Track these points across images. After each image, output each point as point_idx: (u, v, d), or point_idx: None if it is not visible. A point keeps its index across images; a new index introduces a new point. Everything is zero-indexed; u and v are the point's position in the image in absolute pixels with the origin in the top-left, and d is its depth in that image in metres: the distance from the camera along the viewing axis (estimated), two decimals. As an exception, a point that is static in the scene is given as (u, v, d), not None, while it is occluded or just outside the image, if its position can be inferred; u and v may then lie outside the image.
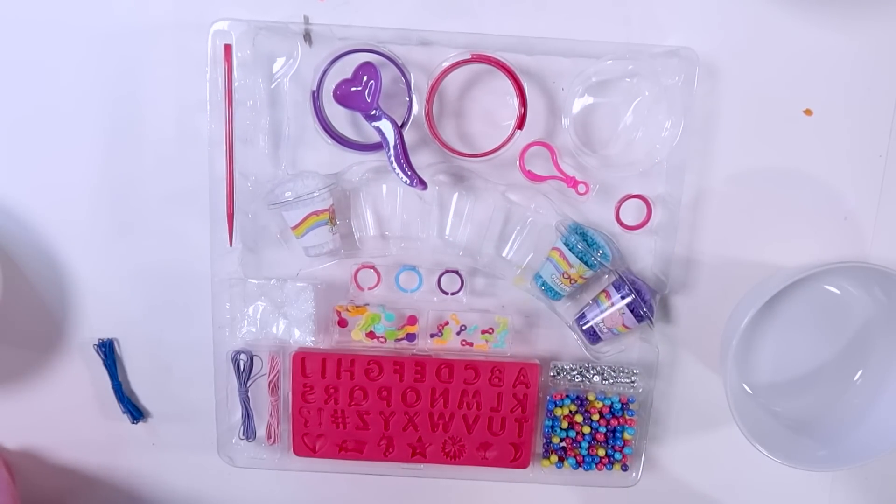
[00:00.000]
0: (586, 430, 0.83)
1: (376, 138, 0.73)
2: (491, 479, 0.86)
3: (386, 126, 0.72)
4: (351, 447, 0.83)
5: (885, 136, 0.79)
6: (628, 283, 0.77)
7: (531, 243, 0.79)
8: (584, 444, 0.83)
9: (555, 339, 0.83)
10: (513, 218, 0.79)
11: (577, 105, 0.76)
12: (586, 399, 0.83)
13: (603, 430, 0.83)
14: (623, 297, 0.77)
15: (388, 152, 0.73)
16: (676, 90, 0.74)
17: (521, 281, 0.80)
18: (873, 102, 0.78)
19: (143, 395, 0.86)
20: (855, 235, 0.81)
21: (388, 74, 0.73)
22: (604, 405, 0.83)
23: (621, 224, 0.79)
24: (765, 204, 0.80)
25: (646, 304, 0.77)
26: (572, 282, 0.77)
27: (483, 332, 0.81)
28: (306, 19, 0.75)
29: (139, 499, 0.90)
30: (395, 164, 0.73)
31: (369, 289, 0.81)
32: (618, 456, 0.84)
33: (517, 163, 0.77)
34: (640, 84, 0.76)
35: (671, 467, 0.88)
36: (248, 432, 0.84)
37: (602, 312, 0.79)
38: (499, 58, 0.73)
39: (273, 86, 0.75)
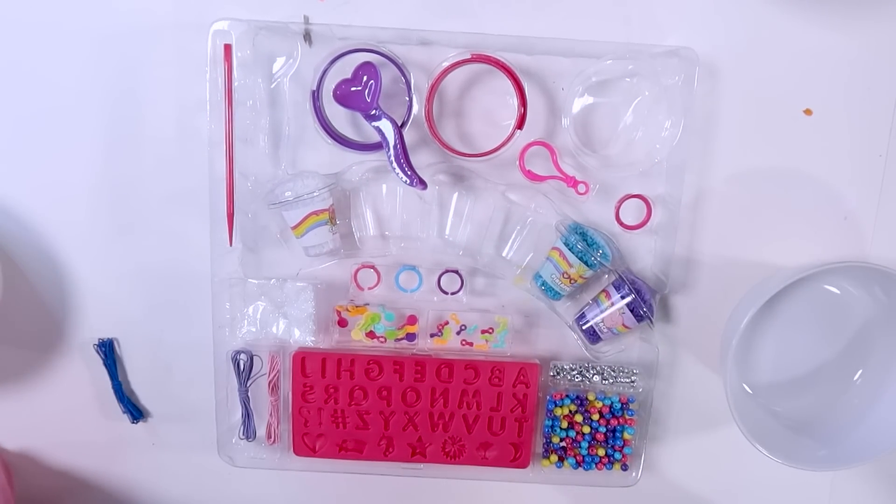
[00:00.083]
0: (586, 429, 0.83)
1: (376, 138, 0.73)
2: (491, 479, 0.86)
3: (386, 126, 0.72)
4: (351, 447, 0.83)
5: (885, 136, 0.79)
6: (628, 282, 0.77)
7: (531, 243, 0.79)
8: (584, 444, 0.83)
9: (555, 339, 0.83)
10: (513, 218, 0.79)
11: (577, 105, 0.76)
12: (586, 399, 0.83)
13: (603, 429, 0.83)
14: (623, 297, 0.77)
15: (388, 152, 0.73)
16: (676, 90, 0.74)
17: (521, 281, 0.80)
18: (873, 102, 0.78)
19: (143, 395, 0.86)
20: (855, 235, 0.81)
21: (388, 74, 0.73)
22: (604, 405, 0.83)
23: (621, 224, 0.79)
24: (765, 204, 0.80)
25: (646, 304, 0.77)
26: (572, 282, 0.77)
27: (483, 331, 0.81)
28: (306, 19, 0.75)
29: (139, 499, 0.90)
30: (395, 164, 0.73)
31: (369, 289, 0.81)
32: (618, 456, 0.84)
33: (517, 163, 0.77)
34: (640, 84, 0.76)
35: (671, 467, 0.88)
36: (248, 432, 0.84)
37: (602, 312, 0.79)
38: (499, 58, 0.73)
39: (273, 86, 0.75)
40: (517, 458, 0.83)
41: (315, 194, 0.74)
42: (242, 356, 0.82)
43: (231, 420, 0.84)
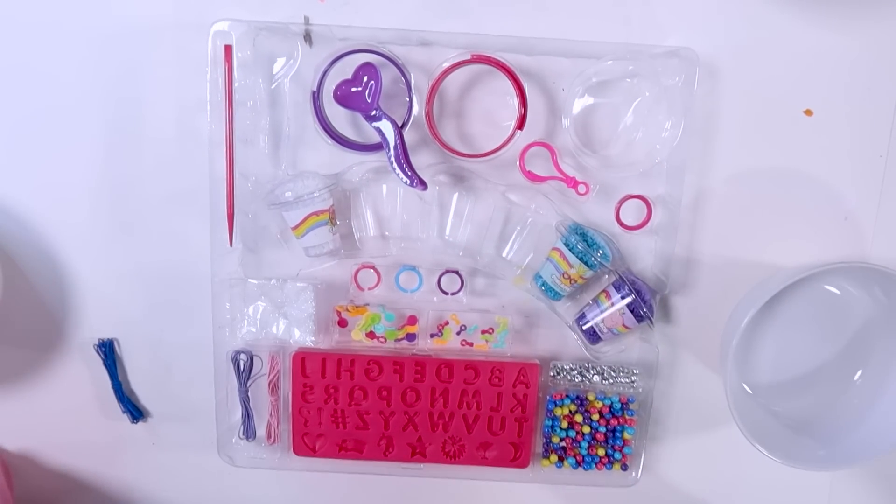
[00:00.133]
0: (586, 429, 0.83)
1: (376, 138, 0.73)
2: (491, 479, 0.86)
3: (386, 126, 0.72)
4: (351, 447, 0.83)
5: (885, 136, 0.79)
6: (628, 283, 0.77)
7: (531, 243, 0.79)
8: (584, 444, 0.84)
9: (555, 339, 0.83)
10: (513, 218, 0.79)
11: (578, 105, 0.76)
12: (586, 399, 0.83)
13: (603, 429, 0.83)
14: (623, 298, 0.77)
15: (388, 152, 0.73)
16: (676, 90, 0.74)
17: (521, 281, 0.80)
18: (873, 102, 0.78)
19: (143, 395, 0.86)
20: (855, 235, 0.81)
21: (388, 75, 0.73)
22: (604, 405, 0.83)
23: (621, 224, 0.79)
24: (765, 204, 0.80)
25: (646, 304, 0.77)
26: (572, 282, 0.77)
27: (483, 332, 0.81)
28: (306, 20, 0.75)
29: (139, 499, 0.90)
30: (395, 165, 0.73)
31: (369, 289, 0.81)
32: (617, 456, 0.84)
33: (517, 163, 0.77)
34: (641, 84, 0.76)
35: (671, 467, 0.88)
36: (248, 432, 0.84)
37: (602, 312, 0.79)
38: (499, 58, 0.73)
39: (273, 86, 0.75)
40: (517, 458, 0.83)
41: (315, 195, 0.74)
42: (242, 356, 0.82)
43: (231, 420, 0.84)
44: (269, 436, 0.84)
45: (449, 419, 0.83)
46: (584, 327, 0.80)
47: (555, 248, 0.77)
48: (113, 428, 0.87)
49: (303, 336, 0.80)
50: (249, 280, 0.79)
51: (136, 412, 0.85)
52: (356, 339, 0.81)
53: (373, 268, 0.80)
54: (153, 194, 0.80)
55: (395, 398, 0.82)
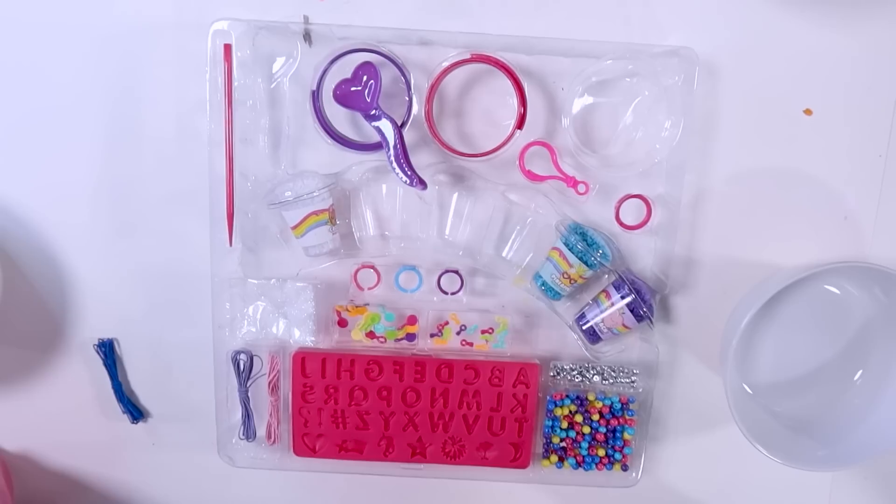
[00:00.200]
0: (586, 430, 0.83)
1: (376, 138, 0.73)
2: (491, 479, 0.86)
3: (386, 126, 0.72)
4: (351, 447, 0.83)
5: (885, 136, 0.78)
6: (628, 283, 0.77)
7: (531, 243, 0.79)
8: (584, 444, 0.83)
9: (555, 339, 0.83)
10: (513, 218, 0.79)
11: (577, 105, 0.76)
12: (586, 399, 0.83)
13: (603, 430, 0.83)
14: (623, 297, 0.77)
15: (388, 152, 0.73)
16: (676, 90, 0.74)
17: (521, 281, 0.80)
18: (873, 102, 0.78)
19: (143, 395, 0.86)
20: (855, 235, 0.81)
21: (388, 74, 0.73)
22: (604, 405, 0.83)
23: (621, 224, 0.79)
24: (765, 204, 0.80)
25: (646, 304, 0.77)
26: (572, 282, 0.77)
27: (483, 332, 0.81)
28: (306, 19, 0.75)
29: (139, 499, 0.90)
30: (394, 164, 0.73)
31: (369, 289, 0.81)
32: (618, 456, 0.84)
33: (517, 163, 0.77)
34: (640, 84, 0.76)
35: (671, 467, 0.88)
36: (248, 432, 0.84)
37: (602, 312, 0.79)
38: (499, 58, 0.73)
39: (273, 86, 0.75)
40: (517, 458, 0.83)
41: (315, 194, 0.74)
42: (242, 356, 0.82)
43: (231, 420, 0.84)
44: (269, 436, 0.84)
45: (449, 419, 0.83)
46: (584, 327, 0.80)
47: (554, 248, 0.77)
48: (113, 428, 0.87)
49: (303, 336, 0.79)
50: (249, 280, 0.79)
51: (136, 412, 0.85)
52: (356, 339, 0.81)
53: (373, 267, 0.80)
54: (153, 194, 0.80)
55: (395, 398, 0.82)
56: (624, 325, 0.78)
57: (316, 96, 0.73)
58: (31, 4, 0.75)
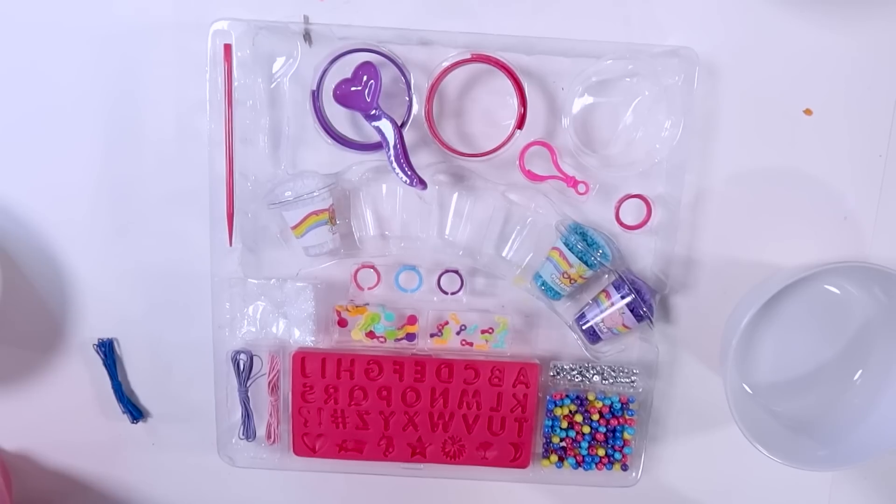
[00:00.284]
0: (586, 429, 0.83)
1: (376, 138, 0.73)
2: (491, 479, 0.86)
3: (386, 126, 0.72)
4: (351, 447, 0.83)
5: (885, 136, 0.78)
6: (628, 282, 0.77)
7: (531, 243, 0.79)
8: (584, 444, 0.83)
9: (555, 339, 0.83)
10: (513, 218, 0.79)
11: (577, 105, 0.76)
12: (586, 399, 0.83)
13: (603, 429, 0.83)
14: (623, 297, 0.77)
15: (388, 152, 0.73)
16: (676, 90, 0.74)
17: (521, 281, 0.80)
18: (873, 102, 0.78)
19: (143, 395, 0.86)
20: (855, 235, 0.81)
21: (388, 74, 0.73)
22: (604, 405, 0.83)
23: (621, 224, 0.79)
24: (765, 204, 0.80)
25: (646, 304, 0.77)
26: (572, 282, 0.77)
27: (483, 331, 0.81)
28: (306, 19, 0.75)
29: (139, 499, 0.90)
30: (395, 164, 0.73)
31: (369, 289, 0.81)
32: (618, 456, 0.84)
33: (517, 163, 0.77)
34: (640, 84, 0.76)
35: (671, 467, 0.88)
36: (248, 432, 0.84)
37: (602, 312, 0.79)
38: (499, 57, 0.73)
39: (273, 85, 0.75)
40: (517, 458, 0.83)
41: (315, 194, 0.74)
42: (242, 356, 0.82)
43: (231, 420, 0.84)
44: (269, 436, 0.84)
45: (449, 419, 0.83)
46: (584, 327, 0.80)
47: (554, 248, 0.77)
48: (113, 428, 0.87)
49: (303, 336, 0.79)
50: (249, 280, 0.79)
51: (136, 412, 0.85)
52: (356, 338, 0.81)
53: (373, 267, 0.80)
54: (153, 194, 0.80)
55: (395, 398, 0.82)
56: (624, 325, 0.78)
57: (316, 96, 0.73)
58: (32, 4, 0.75)
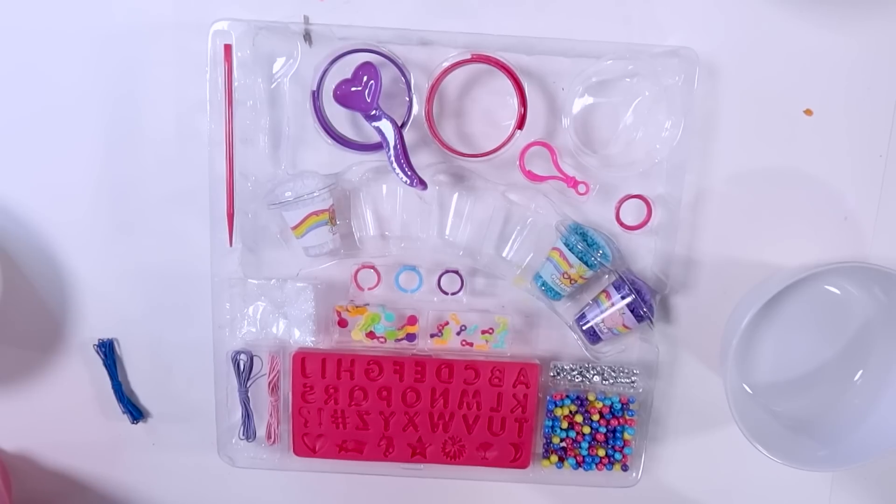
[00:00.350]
0: (586, 430, 0.83)
1: (376, 138, 0.73)
2: (491, 479, 0.86)
3: (386, 126, 0.72)
4: (351, 447, 0.83)
5: (885, 136, 0.79)
6: (628, 283, 0.77)
7: (531, 243, 0.79)
8: (584, 445, 0.83)
9: (555, 339, 0.83)
10: (513, 218, 0.79)
11: (577, 105, 0.76)
12: (586, 399, 0.83)
13: (603, 430, 0.83)
14: (623, 297, 0.77)
15: (388, 152, 0.73)
16: (676, 90, 0.74)
17: (521, 281, 0.80)
18: (873, 102, 0.78)
19: (143, 395, 0.86)
20: (855, 235, 0.81)
21: (388, 74, 0.73)
22: (604, 405, 0.83)
23: (621, 224, 0.79)
24: (765, 204, 0.80)
25: (646, 304, 0.77)
26: (572, 282, 0.77)
27: (483, 332, 0.81)
28: (306, 19, 0.75)
29: (139, 499, 0.90)
30: (395, 164, 0.73)
31: (369, 289, 0.81)
32: (618, 456, 0.84)
33: (517, 163, 0.77)
34: (640, 84, 0.76)
35: (671, 467, 0.88)
36: (248, 432, 0.84)
37: (602, 312, 0.79)
38: (499, 58, 0.73)
39: (273, 86, 0.75)
40: (517, 458, 0.83)
41: (315, 194, 0.74)
42: (242, 356, 0.82)
43: (231, 420, 0.84)
44: (269, 436, 0.84)
45: (449, 419, 0.83)
46: (584, 327, 0.80)
47: (555, 248, 0.77)
48: (113, 428, 0.87)
49: (303, 336, 0.79)
50: (249, 280, 0.79)
51: (136, 412, 0.85)
52: (356, 339, 0.81)
53: (373, 268, 0.80)
54: (153, 194, 0.80)
55: (395, 398, 0.82)
56: (624, 325, 0.78)
57: (316, 96, 0.73)
58: (32, 5, 0.75)
